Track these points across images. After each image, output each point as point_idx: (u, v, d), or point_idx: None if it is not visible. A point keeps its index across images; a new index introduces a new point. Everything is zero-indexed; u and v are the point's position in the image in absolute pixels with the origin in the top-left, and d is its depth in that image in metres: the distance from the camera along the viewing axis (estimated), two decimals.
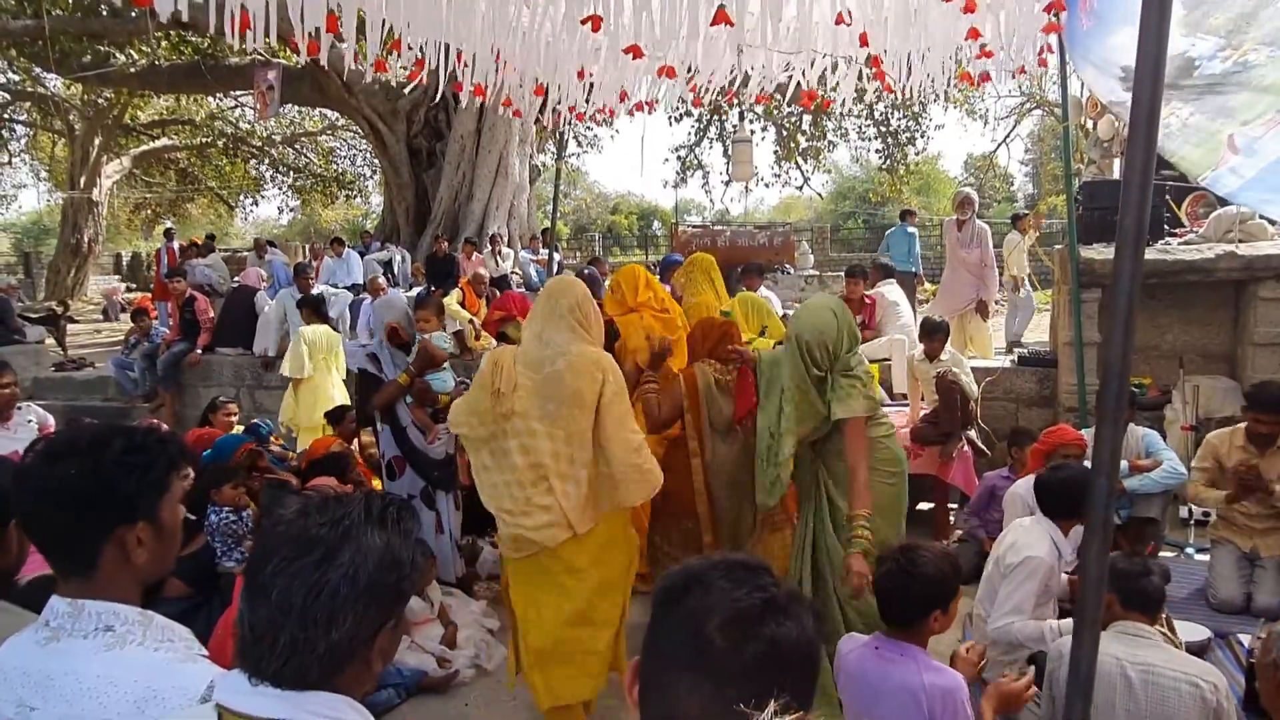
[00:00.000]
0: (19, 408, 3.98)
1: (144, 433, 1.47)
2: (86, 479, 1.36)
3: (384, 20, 3.92)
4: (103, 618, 1.36)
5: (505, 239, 14.34)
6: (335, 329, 7.96)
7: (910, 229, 10.64)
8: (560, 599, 3.18)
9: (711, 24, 3.35)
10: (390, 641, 1.23)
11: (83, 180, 22.49)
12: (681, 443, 4.19)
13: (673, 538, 4.28)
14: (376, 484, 5.14)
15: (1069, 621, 3.08)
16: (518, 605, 3.29)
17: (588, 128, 20.78)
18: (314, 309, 7.39)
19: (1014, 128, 24.69)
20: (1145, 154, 1.56)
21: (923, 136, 21.45)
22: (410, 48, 3.89)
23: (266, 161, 26.69)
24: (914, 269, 10.29)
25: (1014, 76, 5.72)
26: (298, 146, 26.54)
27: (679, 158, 22.78)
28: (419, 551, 1.24)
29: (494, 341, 7.11)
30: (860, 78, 5.01)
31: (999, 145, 26.28)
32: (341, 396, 6.91)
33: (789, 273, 16.99)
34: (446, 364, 5.17)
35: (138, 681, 1.31)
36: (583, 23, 3.46)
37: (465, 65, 4.21)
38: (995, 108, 23.75)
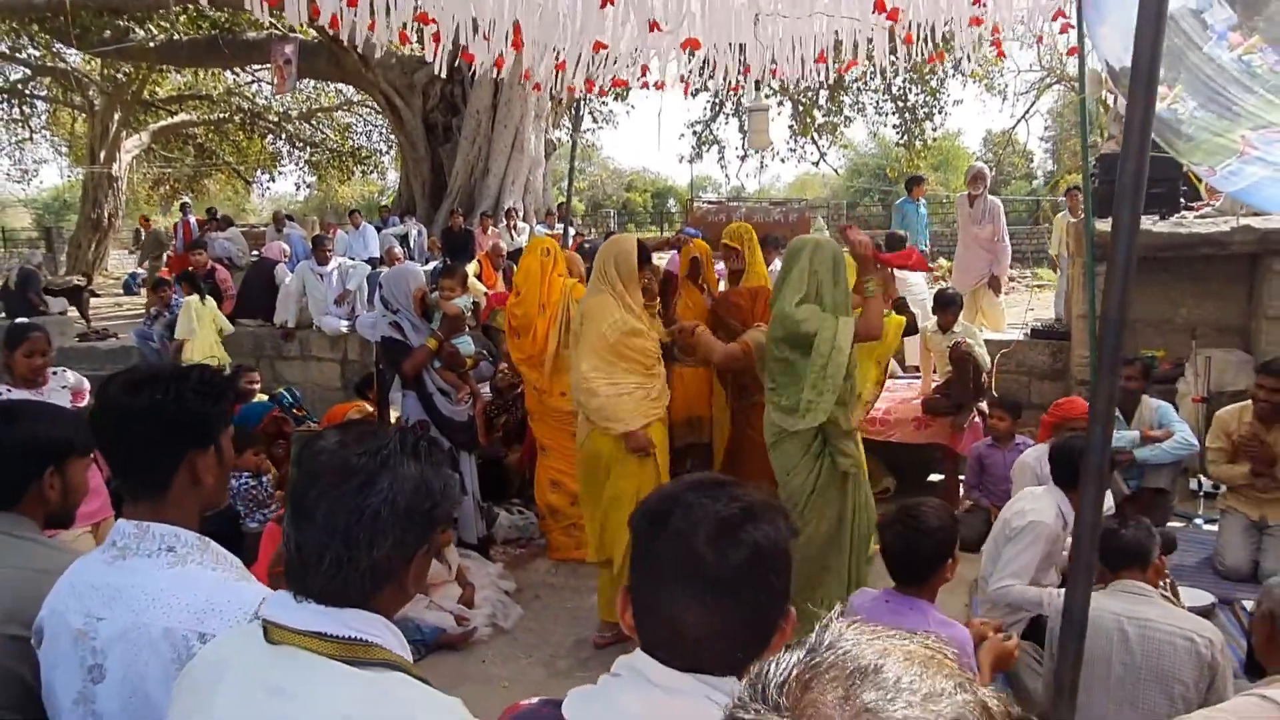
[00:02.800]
0: (54, 372, 4.08)
1: (211, 370, 1.66)
2: (170, 404, 1.50)
3: None
4: (165, 539, 1.49)
5: (520, 213, 14.39)
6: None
7: (915, 202, 10.06)
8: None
9: None
10: (422, 567, 1.32)
11: (102, 155, 22.64)
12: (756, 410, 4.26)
13: None
14: None
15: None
16: None
17: (603, 103, 20.74)
18: (192, 284, 8.50)
19: (1033, 103, 24.44)
20: (1145, 110, 1.60)
21: (940, 112, 21.25)
22: (435, 21, 3.95)
23: (283, 137, 26.78)
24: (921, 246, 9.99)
25: (1033, 45, 5.73)
26: (314, 122, 26.60)
27: (695, 133, 22.73)
28: (448, 483, 1.33)
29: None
30: (872, 43, 5.03)
31: (1018, 121, 26.03)
32: (215, 352, 8.11)
33: None
34: (467, 329, 5.30)
35: (198, 595, 1.43)
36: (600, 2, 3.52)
37: (484, 39, 4.26)
38: (1015, 83, 23.50)
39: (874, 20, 4.38)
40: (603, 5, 3.78)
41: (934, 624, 2.56)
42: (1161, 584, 3.33)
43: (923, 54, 5.17)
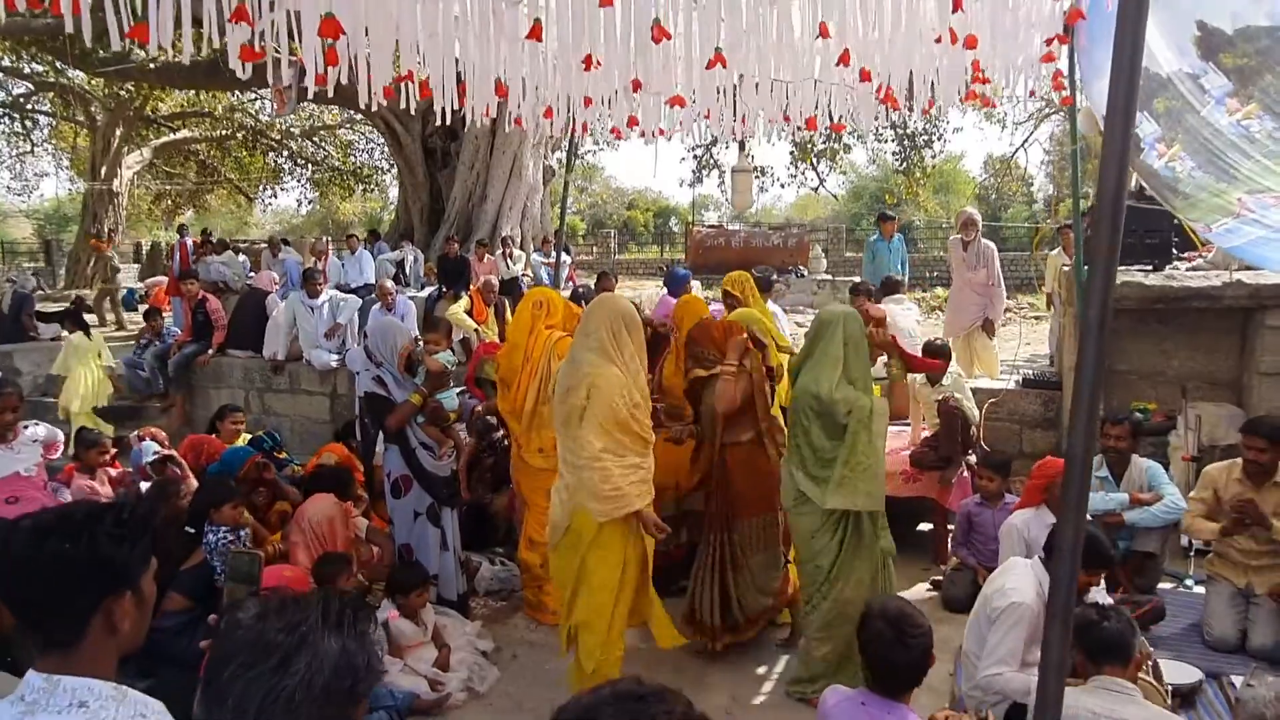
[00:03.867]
0: (25, 426, 4.04)
1: (130, 507, 1.54)
2: (82, 552, 1.42)
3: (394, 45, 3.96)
4: (77, 693, 1.40)
5: (518, 240, 14.37)
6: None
7: (885, 240, 9.71)
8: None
9: (707, 67, 3.37)
10: None
11: (103, 170, 22.72)
12: (755, 441, 4.39)
13: (748, 536, 4.43)
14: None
15: None
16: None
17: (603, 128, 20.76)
18: (74, 320, 9.18)
19: (1032, 133, 24.48)
20: (1117, 182, 1.53)
21: (940, 139, 21.32)
22: (412, 79, 3.93)
23: (285, 154, 26.86)
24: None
25: (1030, 94, 5.71)
26: (316, 139, 26.68)
27: (695, 156, 22.77)
28: (374, 656, 1.28)
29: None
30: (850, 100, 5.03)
31: (1016, 150, 26.05)
32: (101, 385, 8.70)
33: (802, 275, 16.96)
34: (450, 381, 5.27)
35: None
36: (584, 64, 3.49)
37: (460, 93, 4.24)
38: (1014, 111, 23.54)
39: (857, 85, 4.35)
40: (587, 68, 3.76)
41: None
42: (1146, 665, 3.28)
43: (912, 110, 5.15)
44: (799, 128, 5.13)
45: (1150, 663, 3.38)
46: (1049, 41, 4.38)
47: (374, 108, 4.32)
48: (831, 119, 5.24)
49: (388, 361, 4.58)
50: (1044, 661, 1.64)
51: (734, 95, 4.53)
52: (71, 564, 1.41)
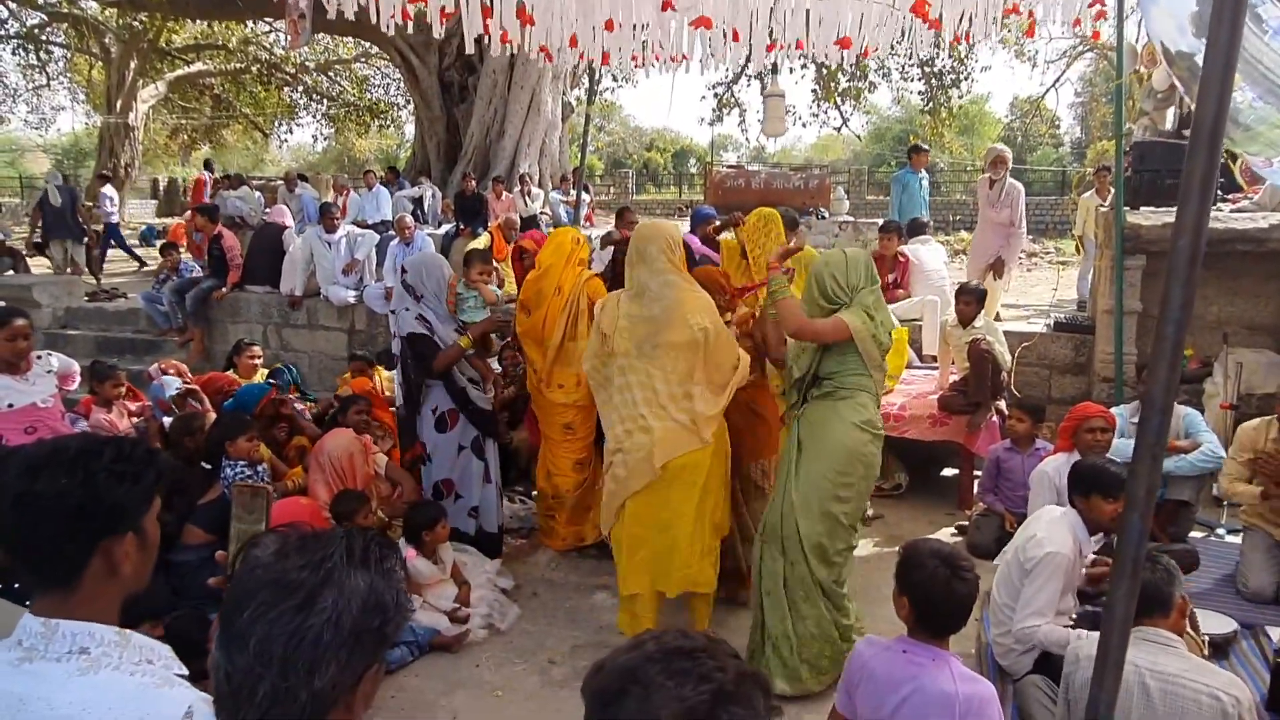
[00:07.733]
0: (38, 356, 3.95)
1: (132, 443, 1.44)
2: (77, 490, 1.32)
3: None
4: (78, 639, 1.31)
5: (535, 178, 14.14)
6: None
7: (915, 172, 9.33)
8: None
9: None
10: (373, 685, 1.18)
11: (119, 104, 22.49)
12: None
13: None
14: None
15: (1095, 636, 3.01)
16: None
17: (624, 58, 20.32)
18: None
19: (1064, 71, 23.77)
20: (1218, 105, 1.38)
21: (967, 78, 20.68)
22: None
23: (300, 89, 26.49)
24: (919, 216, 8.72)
25: (1072, 26, 5.43)
26: (331, 74, 26.29)
27: (716, 95, 22.28)
28: (402, 594, 1.18)
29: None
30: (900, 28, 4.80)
31: (1047, 90, 25.32)
32: None
33: (824, 217, 16.67)
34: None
35: (112, 709, 1.26)
36: None
37: (490, 19, 4.06)
38: (1046, 50, 22.83)
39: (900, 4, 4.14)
40: None
41: (959, 679, 2.35)
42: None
43: (948, 37, 4.93)
44: (833, 49, 4.89)
45: (1188, 613, 3.29)
46: None
47: (391, 30, 4.16)
48: (865, 42, 5.02)
49: (429, 295, 4.47)
50: (1107, 618, 1.54)
51: (769, 15, 4.30)
52: (66, 501, 1.31)
